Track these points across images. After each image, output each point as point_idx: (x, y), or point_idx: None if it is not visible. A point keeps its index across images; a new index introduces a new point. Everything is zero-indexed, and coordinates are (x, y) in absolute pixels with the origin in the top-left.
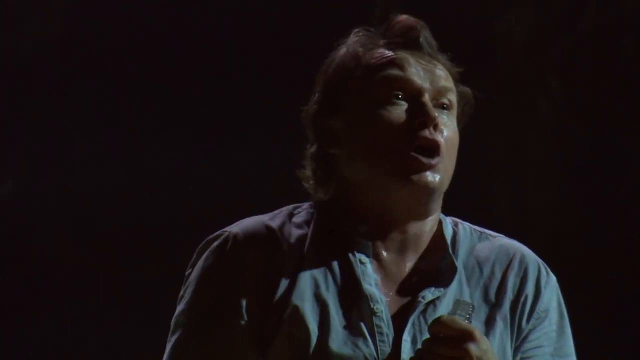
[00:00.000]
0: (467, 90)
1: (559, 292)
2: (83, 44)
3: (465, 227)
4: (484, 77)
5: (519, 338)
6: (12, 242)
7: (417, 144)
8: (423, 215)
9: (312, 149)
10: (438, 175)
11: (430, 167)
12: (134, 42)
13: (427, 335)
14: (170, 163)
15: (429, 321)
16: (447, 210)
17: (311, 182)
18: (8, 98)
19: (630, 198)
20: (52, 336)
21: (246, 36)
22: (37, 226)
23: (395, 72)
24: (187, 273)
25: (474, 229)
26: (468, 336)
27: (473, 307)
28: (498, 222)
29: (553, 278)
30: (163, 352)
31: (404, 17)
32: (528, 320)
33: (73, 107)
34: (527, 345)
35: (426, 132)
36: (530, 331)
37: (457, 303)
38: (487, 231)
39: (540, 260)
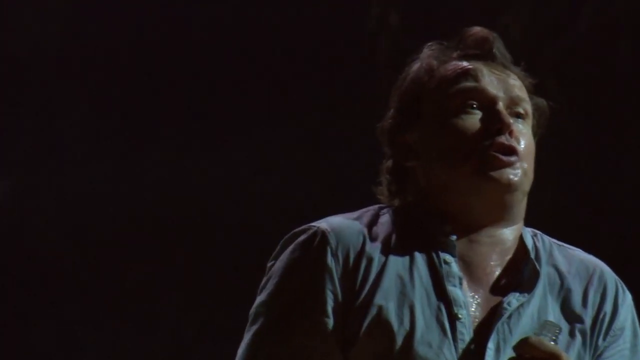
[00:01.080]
0: (541, 101)
1: (634, 310)
2: (80, 45)
3: (543, 238)
4: None
5: (594, 355)
6: (7, 243)
7: (495, 149)
8: (505, 217)
9: (388, 163)
10: (519, 172)
11: (510, 164)
12: (131, 43)
13: (510, 343)
14: (166, 163)
15: (513, 329)
16: None
17: (386, 195)
18: (5, 99)
19: (628, 198)
20: (49, 337)
21: (242, 36)
22: (33, 227)
23: (469, 83)
24: (269, 264)
25: (552, 241)
26: (555, 359)
27: (560, 329)
28: None
29: (629, 296)
30: (160, 354)
31: (477, 29)
32: (604, 338)
33: (69, 108)
34: None
35: (502, 138)
36: (605, 349)
37: (544, 324)
38: (565, 244)
39: (617, 278)
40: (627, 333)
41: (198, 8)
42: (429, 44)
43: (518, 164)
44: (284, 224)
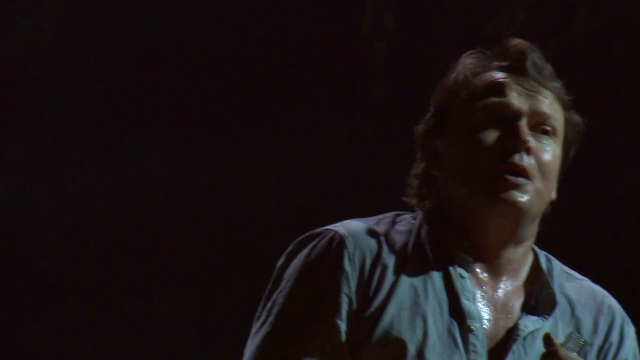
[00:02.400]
0: (576, 117)
1: (636, 343)
2: (76, 48)
3: (554, 263)
4: None
5: None
6: (2, 243)
7: (506, 169)
8: (515, 238)
9: (419, 167)
10: (526, 196)
11: (517, 186)
12: (126, 43)
13: None
14: (161, 166)
15: (528, 351)
16: None
17: (414, 198)
18: (0, 100)
19: (622, 200)
20: (42, 337)
21: (239, 37)
22: (28, 228)
23: (495, 98)
24: (280, 263)
25: (562, 268)
26: None
27: (585, 342)
28: None
29: (632, 329)
30: (156, 354)
31: (516, 42)
32: None
33: (65, 110)
34: None
35: (516, 157)
36: None
37: (569, 335)
38: (573, 272)
39: (622, 310)
40: None
41: (194, 8)
42: (470, 51)
43: (528, 186)
44: (280, 225)
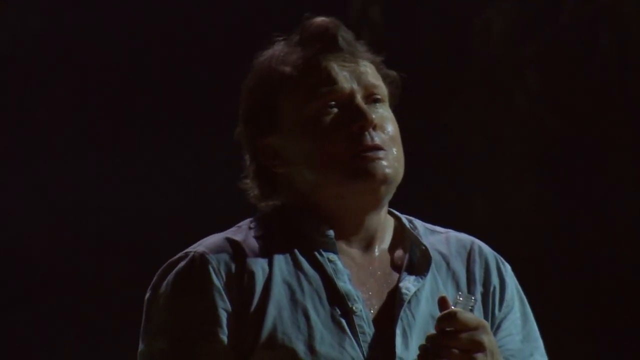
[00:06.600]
0: (392, 73)
1: (515, 280)
2: (62, 41)
3: (418, 222)
4: (461, 72)
5: (492, 328)
6: None
7: (362, 149)
8: (380, 206)
9: (253, 166)
10: (390, 162)
11: (379, 159)
12: (113, 40)
13: (414, 327)
14: (148, 161)
15: (415, 313)
16: (422, 209)
17: (258, 197)
18: None
19: (607, 195)
20: (25, 338)
21: (220, 32)
22: (11, 224)
23: (324, 85)
24: (148, 296)
25: (425, 225)
26: (480, 328)
27: (475, 300)
28: (474, 220)
29: (509, 266)
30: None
31: (316, 20)
32: (500, 309)
33: (51, 105)
34: (499, 335)
35: (367, 137)
36: (502, 320)
37: (458, 298)
38: (436, 227)
39: (493, 251)
40: (516, 302)
41: (181, 3)
42: (274, 39)
43: (389, 155)
44: None
